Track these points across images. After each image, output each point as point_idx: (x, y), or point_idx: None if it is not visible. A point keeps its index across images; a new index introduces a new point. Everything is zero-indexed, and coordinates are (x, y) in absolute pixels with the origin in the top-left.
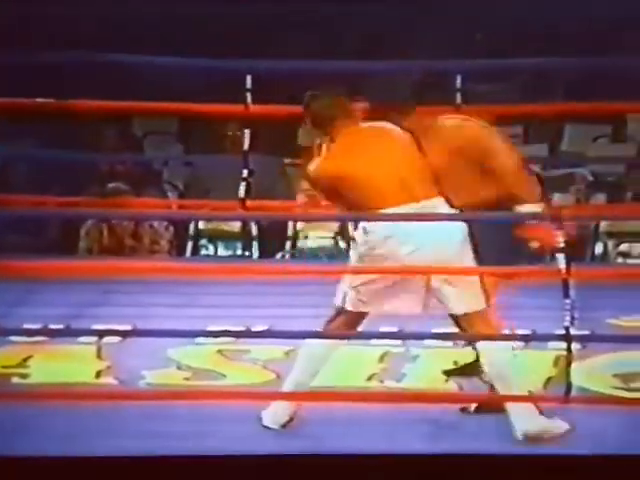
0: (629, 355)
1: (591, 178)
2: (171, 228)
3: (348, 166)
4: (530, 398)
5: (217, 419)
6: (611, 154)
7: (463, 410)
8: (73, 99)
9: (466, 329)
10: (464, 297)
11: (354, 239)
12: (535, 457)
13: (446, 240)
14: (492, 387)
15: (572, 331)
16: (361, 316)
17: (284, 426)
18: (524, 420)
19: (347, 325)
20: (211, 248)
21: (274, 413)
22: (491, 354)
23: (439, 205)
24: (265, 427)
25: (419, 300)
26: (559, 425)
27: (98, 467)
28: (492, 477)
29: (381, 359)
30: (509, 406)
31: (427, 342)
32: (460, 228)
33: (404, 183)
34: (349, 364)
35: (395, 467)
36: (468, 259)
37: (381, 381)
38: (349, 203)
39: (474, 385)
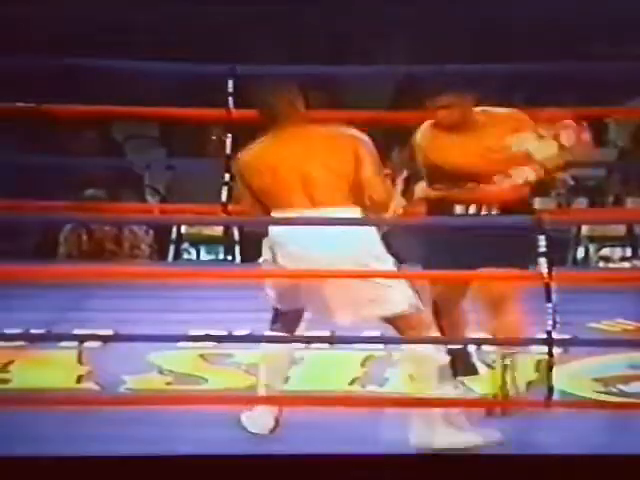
0: (610, 359)
1: (572, 182)
2: (151, 232)
3: (270, 160)
4: (512, 402)
5: (199, 423)
6: (592, 158)
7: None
8: (52, 103)
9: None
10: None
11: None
12: (532, 457)
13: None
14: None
15: (554, 335)
16: (297, 314)
17: (272, 431)
18: (424, 433)
19: (288, 323)
20: (193, 252)
21: (258, 418)
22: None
23: (344, 213)
24: (252, 433)
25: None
26: (474, 438)
27: (94, 467)
28: (489, 477)
29: (363, 363)
30: (415, 413)
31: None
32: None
33: (315, 187)
34: (331, 368)
35: (382, 467)
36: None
37: (363, 385)
38: (259, 201)
39: (459, 390)
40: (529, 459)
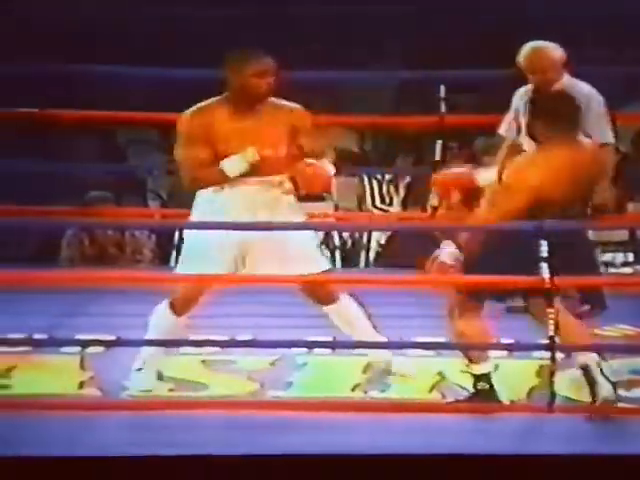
0: (611, 364)
1: None
2: (153, 237)
3: None
4: (514, 408)
5: (199, 428)
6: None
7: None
8: (55, 108)
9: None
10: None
11: (338, 248)
12: (534, 457)
13: None
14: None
15: (556, 340)
16: None
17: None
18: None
19: None
20: None
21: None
22: None
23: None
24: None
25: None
26: None
27: (93, 467)
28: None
29: (365, 370)
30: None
31: (410, 352)
32: None
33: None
34: (333, 374)
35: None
36: None
37: (365, 391)
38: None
39: (457, 394)
40: (527, 460)
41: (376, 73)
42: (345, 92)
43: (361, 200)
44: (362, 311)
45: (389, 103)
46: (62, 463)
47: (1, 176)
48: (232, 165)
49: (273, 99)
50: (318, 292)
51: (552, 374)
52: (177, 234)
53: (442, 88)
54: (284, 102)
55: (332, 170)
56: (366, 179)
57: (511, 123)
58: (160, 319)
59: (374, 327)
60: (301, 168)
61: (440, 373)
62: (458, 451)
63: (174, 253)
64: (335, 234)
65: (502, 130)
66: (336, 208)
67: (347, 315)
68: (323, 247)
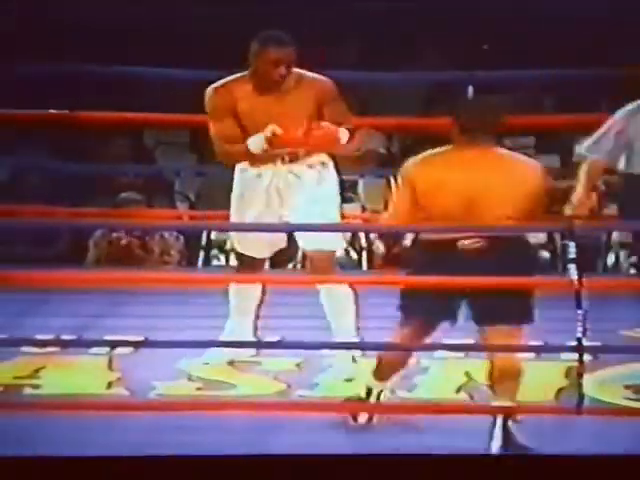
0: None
1: (604, 188)
2: (181, 238)
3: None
4: (542, 409)
5: (228, 428)
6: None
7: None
8: (84, 110)
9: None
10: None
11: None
12: (562, 458)
13: None
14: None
15: (584, 342)
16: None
17: None
18: None
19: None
20: (223, 258)
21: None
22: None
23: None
24: None
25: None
26: None
27: (100, 467)
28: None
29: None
30: None
31: (437, 354)
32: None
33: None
34: (360, 375)
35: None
36: None
37: (392, 391)
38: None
39: (485, 396)
40: (555, 460)
41: (406, 74)
42: (374, 93)
43: (388, 202)
44: (353, 306)
45: (419, 104)
46: (71, 463)
47: (32, 177)
48: (253, 142)
49: (298, 70)
50: (325, 271)
51: (580, 375)
52: (205, 235)
53: (470, 89)
54: (308, 74)
55: (344, 134)
56: (393, 181)
57: (602, 141)
58: (232, 292)
59: (357, 328)
60: (312, 131)
61: (467, 374)
62: (485, 452)
63: (202, 254)
64: (362, 236)
65: (584, 148)
66: (363, 210)
67: (339, 301)
68: (350, 249)
